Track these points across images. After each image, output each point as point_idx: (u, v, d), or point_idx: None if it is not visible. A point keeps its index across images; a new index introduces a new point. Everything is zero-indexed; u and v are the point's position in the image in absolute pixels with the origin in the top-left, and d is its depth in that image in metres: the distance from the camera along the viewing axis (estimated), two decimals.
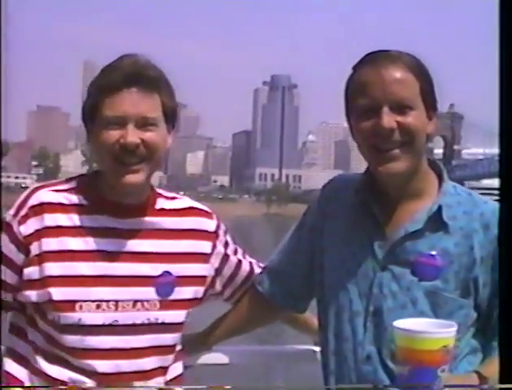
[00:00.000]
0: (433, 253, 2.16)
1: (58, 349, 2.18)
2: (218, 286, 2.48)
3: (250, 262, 2.59)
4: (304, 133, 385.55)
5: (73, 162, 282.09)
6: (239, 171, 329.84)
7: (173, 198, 2.38)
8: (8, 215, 2.20)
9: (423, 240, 2.18)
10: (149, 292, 2.23)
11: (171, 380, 2.31)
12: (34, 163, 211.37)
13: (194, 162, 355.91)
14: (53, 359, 2.19)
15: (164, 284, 2.25)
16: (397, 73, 2.14)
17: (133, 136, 2.12)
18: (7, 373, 2.25)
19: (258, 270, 2.58)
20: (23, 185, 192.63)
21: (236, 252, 2.53)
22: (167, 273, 2.26)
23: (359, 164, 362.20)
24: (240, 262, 2.54)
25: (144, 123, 2.14)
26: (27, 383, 2.20)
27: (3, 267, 2.18)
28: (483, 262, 2.16)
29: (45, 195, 2.21)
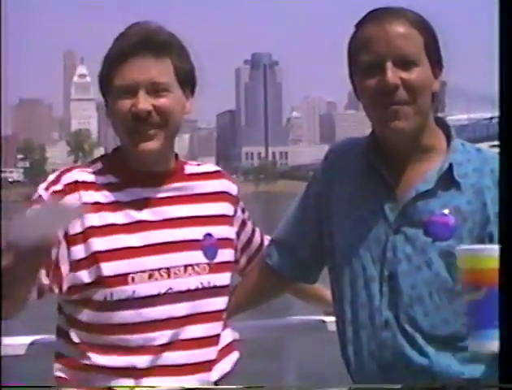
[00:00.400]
0: (446, 211, 2.14)
1: (110, 334, 2.13)
2: (237, 251, 2.45)
3: (260, 231, 2.57)
4: (288, 110, 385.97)
5: (59, 153, 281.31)
6: (225, 151, 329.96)
7: (198, 164, 2.38)
8: (40, 190, 2.14)
9: (434, 200, 2.15)
10: (197, 256, 2.21)
11: (224, 347, 2.29)
12: (20, 156, 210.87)
13: (180, 146, 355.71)
14: (106, 349, 2.14)
15: (209, 247, 2.23)
16: (401, 28, 2.10)
17: (144, 103, 2.08)
18: (60, 377, 2.21)
19: (266, 240, 2.56)
20: (10, 180, 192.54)
21: (249, 218, 2.52)
22: (209, 235, 2.24)
23: (344, 137, 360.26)
24: (254, 229, 2.52)
25: (155, 89, 2.10)
26: (82, 385, 2.16)
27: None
28: (497, 217, 2.09)
29: (78, 174, 2.17)
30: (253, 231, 2.52)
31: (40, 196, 2.12)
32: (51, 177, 2.18)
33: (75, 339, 2.17)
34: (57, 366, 2.22)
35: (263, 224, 2.60)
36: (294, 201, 2.51)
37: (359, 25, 2.18)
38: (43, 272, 2.04)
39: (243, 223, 2.46)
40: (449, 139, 2.23)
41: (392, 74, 2.08)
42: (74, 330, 2.18)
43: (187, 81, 2.20)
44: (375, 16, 2.15)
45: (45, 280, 2.08)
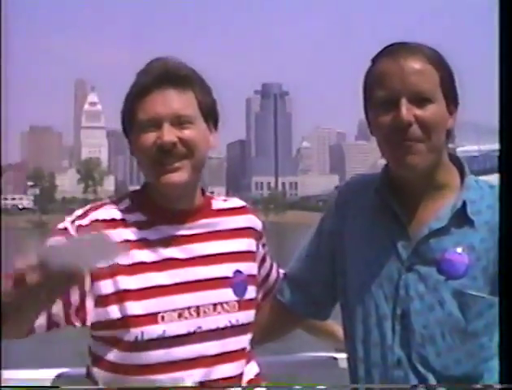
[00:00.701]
0: (459, 249, 2.11)
1: (137, 375, 2.09)
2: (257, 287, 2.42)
3: (276, 266, 2.56)
4: (298, 140, 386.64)
5: (68, 181, 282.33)
6: (235, 181, 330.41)
7: (225, 200, 2.37)
8: (66, 222, 2.11)
9: (448, 237, 2.12)
10: (227, 294, 2.18)
11: (250, 381, 2.27)
12: (30, 184, 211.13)
13: None
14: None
15: (239, 284, 2.22)
16: (417, 64, 2.08)
17: (169, 134, 2.07)
18: None
19: (281, 274, 2.55)
20: (20, 206, 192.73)
21: (268, 254, 2.50)
22: (239, 272, 2.23)
23: (354, 167, 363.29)
24: (272, 264, 2.51)
25: (179, 121, 2.10)
26: None
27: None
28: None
29: (106, 212, 2.16)
30: (271, 266, 2.51)
31: (65, 228, 2.09)
32: (78, 212, 2.16)
33: (100, 380, 2.15)
34: None
35: (272, 255, 2.57)
36: (307, 237, 2.48)
37: (375, 60, 2.16)
38: (59, 303, 2.02)
39: (263, 259, 2.44)
40: (462, 176, 2.21)
41: (407, 111, 2.05)
42: (99, 370, 2.15)
43: (210, 115, 2.20)
44: (391, 51, 2.12)
45: (59, 312, 2.04)
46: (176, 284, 2.13)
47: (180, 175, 2.10)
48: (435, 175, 2.16)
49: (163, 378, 2.09)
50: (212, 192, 2.31)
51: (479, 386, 2.10)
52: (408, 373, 2.12)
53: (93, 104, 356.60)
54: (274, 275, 2.52)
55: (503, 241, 1.89)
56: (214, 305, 2.16)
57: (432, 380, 2.10)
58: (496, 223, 2.07)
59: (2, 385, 2.06)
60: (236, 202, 2.39)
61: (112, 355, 2.11)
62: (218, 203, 2.32)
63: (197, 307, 2.13)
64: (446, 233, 2.12)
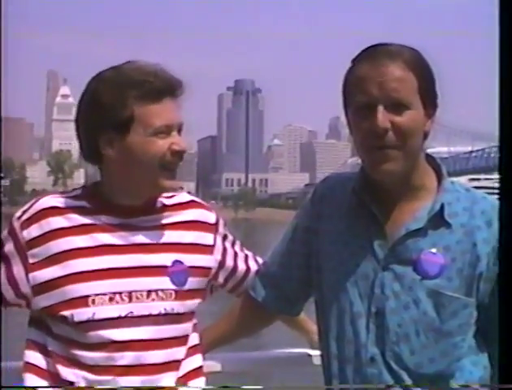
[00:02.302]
0: (435, 250, 2.13)
1: (78, 350, 2.17)
2: (220, 278, 2.45)
3: (246, 256, 2.55)
4: (269, 137, 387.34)
5: (39, 173, 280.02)
6: (205, 176, 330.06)
7: (172, 196, 2.38)
8: (13, 219, 2.22)
9: (424, 238, 2.14)
10: (163, 282, 2.22)
11: (186, 374, 2.30)
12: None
13: None
14: (71, 363, 2.18)
15: (178, 273, 2.25)
16: (396, 71, 2.08)
17: (181, 143, 2.20)
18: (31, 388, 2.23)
19: (254, 264, 2.55)
20: None
21: (233, 244, 2.50)
22: (179, 262, 2.26)
23: (325, 166, 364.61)
24: (236, 254, 2.50)
25: (181, 129, 2.22)
26: None
27: (3, 271, 2.21)
28: (487, 258, 2.13)
29: (51, 200, 2.24)
30: (238, 258, 2.50)
31: (11, 225, 2.22)
32: (26, 206, 2.25)
33: (50, 347, 2.22)
34: (27, 375, 2.25)
35: (246, 247, 2.56)
36: (282, 234, 2.51)
37: (356, 61, 2.16)
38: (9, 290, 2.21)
39: (225, 251, 2.45)
40: (439, 177, 2.23)
41: (383, 118, 2.06)
42: (50, 339, 2.22)
43: None
44: (371, 55, 2.13)
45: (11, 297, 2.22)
46: (109, 269, 2.18)
47: (177, 182, 2.26)
48: (412, 177, 2.18)
49: (97, 356, 2.16)
50: (182, 188, 2.36)
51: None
52: (382, 370, 2.14)
53: (65, 96, 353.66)
54: (242, 267, 2.51)
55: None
56: (149, 291, 2.19)
57: (406, 378, 2.13)
58: (471, 225, 2.15)
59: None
60: (182, 197, 2.41)
61: (54, 327, 2.21)
62: (163, 200, 2.34)
63: (130, 292, 2.17)
64: (423, 234, 2.14)
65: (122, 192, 2.24)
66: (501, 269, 1.92)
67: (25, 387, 2.18)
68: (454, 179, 2.31)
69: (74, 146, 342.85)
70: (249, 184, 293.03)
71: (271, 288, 2.45)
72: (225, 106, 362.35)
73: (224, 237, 2.46)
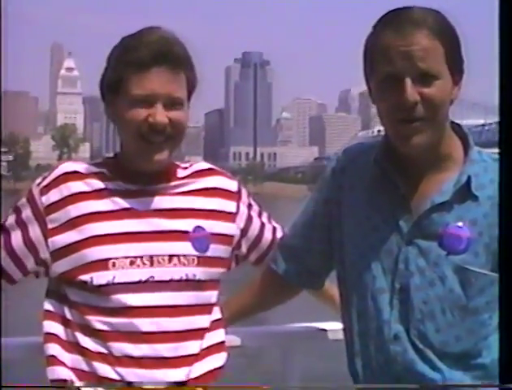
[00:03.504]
0: (461, 224, 2.08)
1: (97, 316, 2.15)
2: (243, 248, 2.42)
3: (274, 227, 2.52)
4: (278, 110, 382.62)
5: (43, 148, 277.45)
6: (213, 150, 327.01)
7: (190, 165, 2.36)
8: (33, 185, 2.24)
9: (450, 212, 2.09)
10: (185, 247, 2.20)
11: (209, 347, 2.26)
12: (3, 150, 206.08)
13: None
14: (90, 331, 2.16)
15: (199, 239, 2.23)
16: (423, 40, 2.01)
17: (162, 115, 2.13)
18: (53, 357, 2.20)
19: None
20: None
21: (260, 215, 2.48)
22: (201, 228, 2.24)
23: (334, 139, 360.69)
24: (263, 225, 2.47)
25: (171, 103, 2.15)
26: (70, 366, 2.18)
27: (17, 237, 2.22)
28: None
29: (72, 165, 2.25)
30: (263, 227, 2.47)
31: (30, 191, 2.23)
32: (47, 172, 2.26)
33: (68, 316, 2.20)
34: (48, 345, 2.22)
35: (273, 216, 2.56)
36: (303, 205, 2.47)
37: (378, 27, 2.09)
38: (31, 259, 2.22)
39: (249, 220, 2.41)
40: (466, 147, 2.16)
41: (411, 90, 2.00)
42: (67, 307, 2.20)
43: (192, 92, 2.26)
44: (394, 22, 2.05)
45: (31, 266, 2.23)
46: (130, 233, 2.17)
47: (163, 154, 2.17)
48: (438, 148, 2.12)
49: (118, 321, 2.13)
50: (188, 161, 2.39)
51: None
52: (406, 348, 2.09)
53: (69, 69, 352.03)
54: (268, 237, 2.48)
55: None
56: (170, 256, 2.17)
57: (431, 356, 2.08)
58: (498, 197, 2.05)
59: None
60: (201, 165, 2.38)
61: (73, 294, 2.18)
62: (182, 171, 2.32)
63: (151, 257, 2.16)
64: (449, 208, 2.09)
65: (134, 159, 2.23)
66: (501, 268, 1.90)
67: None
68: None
69: (79, 120, 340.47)
70: (258, 158, 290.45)
71: (292, 261, 2.41)
72: (233, 78, 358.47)
73: (249, 206, 2.43)
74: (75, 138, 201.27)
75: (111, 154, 2.35)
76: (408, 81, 2.00)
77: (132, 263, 2.14)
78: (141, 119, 2.12)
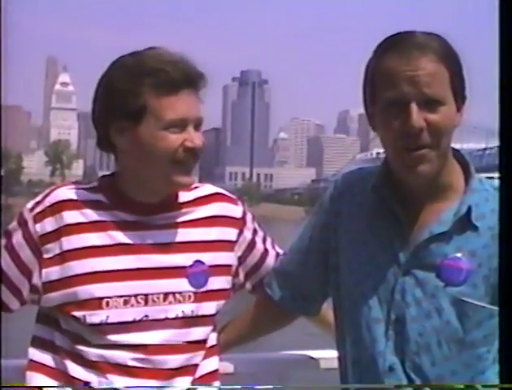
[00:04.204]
0: (460, 255, 2.03)
1: (89, 348, 2.10)
2: (241, 276, 2.36)
3: (277, 253, 2.45)
4: (275, 130, 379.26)
5: (36, 163, 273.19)
6: (208, 170, 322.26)
7: (194, 188, 2.29)
8: (25, 210, 2.15)
9: (449, 242, 2.04)
10: (181, 284, 2.15)
11: (201, 377, 2.21)
12: None
13: None
14: (81, 360, 2.11)
15: (197, 275, 2.17)
16: (429, 65, 1.96)
17: (199, 139, 2.11)
18: (37, 388, 2.16)
19: None
20: None
21: (264, 241, 2.41)
22: (199, 262, 2.18)
23: (332, 161, 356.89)
24: (266, 251, 2.41)
25: (199, 125, 2.14)
26: None
27: (8, 262, 2.14)
28: None
29: (66, 192, 2.16)
30: (265, 253, 2.40)
31: (22, 216, 2.14)
32: (39, 197, 2.16)
33: (58, 343, 2.14)
34: (33, 374, 2.18)
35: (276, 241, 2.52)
36: (299, 230, 2.43)
37: (380, 52, 2.03)
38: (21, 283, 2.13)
39: (250, 247, 2.35)
40: (467, 176, 2.11)
41: (417, 116, 1.95)
42: (58, 334, 2.15)
43: None
44: (399, 46, 1.99)
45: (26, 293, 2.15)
46: (125, 270, 2.11)
47: (192, 178, 2.17)
48: (438, 176, 2.06)
49: (107, 355, 2.09)
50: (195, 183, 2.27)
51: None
52: (401, 381, 2.04)
53: (64, 84, 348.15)
54: (270, 263, 2.41)
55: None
56: (166, 294, 2.13)
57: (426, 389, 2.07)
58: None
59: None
60: (206, 190, 2.31)
61: (64, 323, 2.13)
62: (185, 195, 2.25)
63: (145, 295, 2.11)
64: (448, 238, 2.04)
65: (137, 187, 2.17)
66: (501, 268, 1.88)
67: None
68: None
69: (73, 136, 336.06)
70: (254, 178, 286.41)
71: (287, 286, 2.37)
72: (230, 97, 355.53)
73: (254, 232, 2.37)
74: (69, 154, 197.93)
75: (105, 172, 2.26)
76: (414, 107, 1.94)
77: (126, 302, 2.09)
78: (178, 144, 2.06)
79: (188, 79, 2.08)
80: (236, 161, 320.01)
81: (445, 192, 2.07)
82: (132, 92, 2.06)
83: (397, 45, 1.99)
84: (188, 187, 2.18)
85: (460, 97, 2.03)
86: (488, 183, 2.12)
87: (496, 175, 1.77)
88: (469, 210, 2.03)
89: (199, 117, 2.11)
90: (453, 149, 2.11)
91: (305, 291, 2.34)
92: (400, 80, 1.95)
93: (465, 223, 2.03)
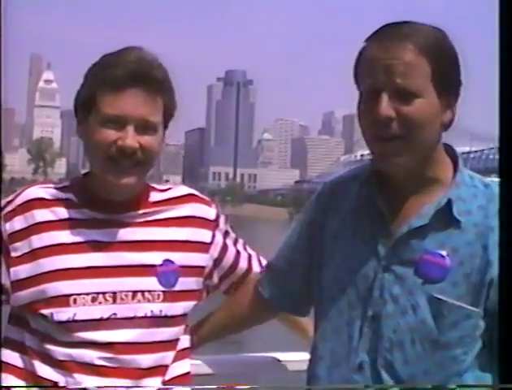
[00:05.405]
0: (440, 251, 1.97)
1: (57, 347, 2.09)
2: (215, 278, 2.35)
3: (250, 255, 2.45)
4: (259, 131, 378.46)
5: (19, 161, 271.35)
6: (192, 169, 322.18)
7: (167, 189, 2.29)
8: None
9: (429, 237, 1.98)
10: (150, 282, 2.14)
11: (172, 379, 2.20)
12: None
13: None
14: (49, 360, 2.10)
15: (167, 274, 2.16)
16: (406, 55, 1.92)
17: (133, 139, 2.05)
18: (6, 388, 2.15)
19: (257, 265, 2.45)
20: None
21: (235, 242, 2.41)
22: (169, 261, 2.17)
23: (316, 162, 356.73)
24: (238, 253, 2.41)
25: (144, 127, 2.07)
26: None
27: None
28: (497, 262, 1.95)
29: (37, 191, 2.17)
30: (238, 255, 2.40)
31: None
32: (11, 196, 2.17)
33: (27, 343, 2.13)
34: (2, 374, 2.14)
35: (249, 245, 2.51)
36: (271, 230, 2.66)
37: (367, 40, 2.01)
38: None
39: (224, 249, 2.35)
40: (455, 170, 2.07)
41: (386, 106, 1.92)
42: (28, 334, 2.14)
43: (169, 120, 2.19)
44: (381, 35, 1.98)
45: None
46: (94, 268, 2.10)
47: (131, 179, 2.09)
48: (425, 170, 2.03)
49: (75, 355, 2.07)
50: (167, 181, 2.45)
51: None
52: (369, 379, 2.01)
53: (48, 82, 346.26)
54: (243, 266, 2.41)
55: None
56: (134, 292, 2.11)
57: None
58: (485, 225, 1.98)
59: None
60: (179, 191, 2.30)
61: (33, 322, 2.13)
62: (157, 195, 2.25)
63: (114, 293, 2.10)
64: (428, 232, 1.99)
65: (104, 185, 2.15)
66: (501, 269, 1.85)
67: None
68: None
69: (56, 134, 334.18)
70: (237, 179, 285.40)
71: (276, 284, 2.35)
72: (215, 97, 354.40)
73: (225, 234, 2.36)
74: (52, 152, 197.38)
75: (87, 170, 2.27)
76: (384, 96, 1.92)
77: (93, 300, 2.08)
78: (110, 140, 2.05)
79: (134, 78, 2.04)
80: (220, 161, 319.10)
81: (432, 187, 2.02)
82: (88, 84, 2.09)
83: (382, 34, 1.97)
84: (126, 188, 2.10)
85: (448, 93, 1.97)
86: (480, 180, 2.07)
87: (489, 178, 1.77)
88: (449, 202, 1.97)
89: (144, 119, 2.06)
90: (446, 144, 2.07)
91: (292, 289, 2.31)
92: (376, 68, 1.93)
93: (446, 217, 1.97)
